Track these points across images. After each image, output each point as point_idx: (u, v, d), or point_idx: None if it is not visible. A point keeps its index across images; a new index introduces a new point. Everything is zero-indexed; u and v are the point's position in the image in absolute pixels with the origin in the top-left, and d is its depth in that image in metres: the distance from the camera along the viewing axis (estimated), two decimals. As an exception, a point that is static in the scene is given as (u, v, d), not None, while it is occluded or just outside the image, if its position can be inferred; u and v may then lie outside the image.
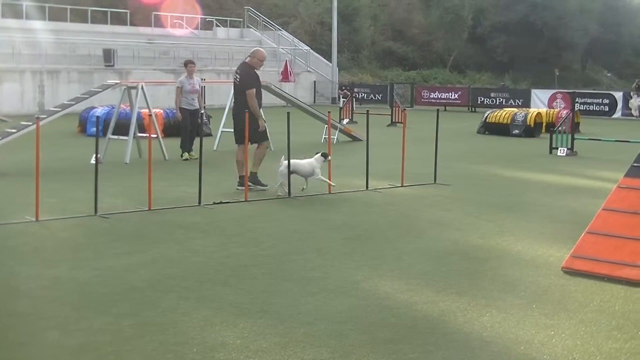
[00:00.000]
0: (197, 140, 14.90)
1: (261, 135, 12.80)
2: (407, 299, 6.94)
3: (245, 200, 11.78)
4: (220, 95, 17.80)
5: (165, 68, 38.74)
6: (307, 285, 7.30)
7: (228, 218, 10.58)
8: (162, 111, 21.91)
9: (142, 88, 17.25)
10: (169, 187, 12.98)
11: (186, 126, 17.12)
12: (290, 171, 12.20)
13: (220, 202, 11.57)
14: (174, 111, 18.35)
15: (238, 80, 12.76)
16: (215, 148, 18.58)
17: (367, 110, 14.47)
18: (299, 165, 12.52)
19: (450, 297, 7.00)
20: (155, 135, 16.08)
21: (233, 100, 13.86)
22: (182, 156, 17.06)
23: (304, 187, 12.65)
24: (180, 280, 7.45)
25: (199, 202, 11.37)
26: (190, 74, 17.25)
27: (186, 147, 17.19)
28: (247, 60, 12.98)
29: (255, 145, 12.88)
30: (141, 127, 18.42)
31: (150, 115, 14.53)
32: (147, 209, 10.96)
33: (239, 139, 12.56)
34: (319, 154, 12.69)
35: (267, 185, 12.71)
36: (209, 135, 20.48)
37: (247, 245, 9.01)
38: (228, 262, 8.19)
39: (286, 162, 12.15)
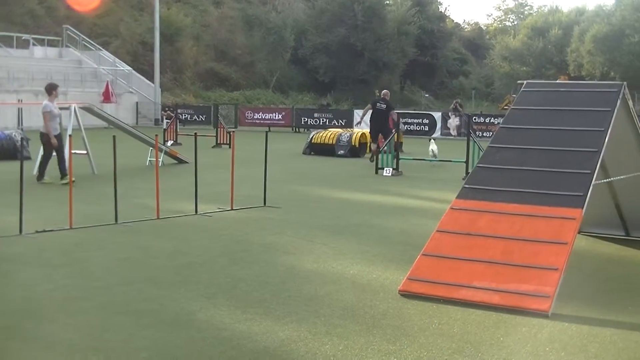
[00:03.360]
0: (17, 165, 14.14)
1: None
2: (246, 329, 6.72)
3: (71, 228, 11.23)
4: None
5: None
6: (141, 318, 6.96)
7: (53, 247, 10.03)
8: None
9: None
10: (-15, 216, 12.25)
11: (50, 151, 16.35)
12: None
13: (44, 231, 10.99)
14: (5, 133, 17.47)
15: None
16: (34, 172, 17.65)
17: (195, 133, 14.18)
18: None
19: (290, 325, 6.84)
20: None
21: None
22: (42, 179, 16.31)
23: None
24: None
25: (20, 231, 10.75)
26: (53, 99, 16.53)
27: (44, 172, 16.42)
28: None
29: None
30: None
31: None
32: (-39, 240, 10.26)
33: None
34: None
35: None
36: (28, 158, 19.59)
37: (75, 276, 8.54)
38: (55, 296, 7.72)
39: None
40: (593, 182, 8.40)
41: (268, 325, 6.83)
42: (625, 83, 9.52)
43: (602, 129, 8.86)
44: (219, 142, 28.61)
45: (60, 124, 16.77)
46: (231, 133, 16.17)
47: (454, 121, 37.30)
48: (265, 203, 13.83)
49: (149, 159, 20.95)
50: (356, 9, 60.85)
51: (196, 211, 12.82)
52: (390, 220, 12.73)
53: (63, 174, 16.27)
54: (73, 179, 12.52)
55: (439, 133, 37.44)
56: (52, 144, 16.22)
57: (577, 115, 9.26)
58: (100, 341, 6.31)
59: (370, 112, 23.39)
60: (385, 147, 20.55)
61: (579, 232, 11.18)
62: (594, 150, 8.68)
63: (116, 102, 41.63)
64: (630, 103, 9.60)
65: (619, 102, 9.15)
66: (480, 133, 35.39)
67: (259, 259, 9.57)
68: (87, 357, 5.92)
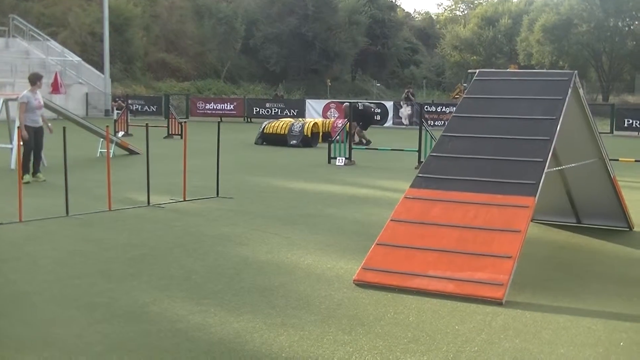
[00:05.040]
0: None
1: None
2: (200, 321, 6.66)
3: (20, 221, 11.05)
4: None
5: None
6: (93, 312, 6.86)
7: (3, 241, 9.83)
8: None
9: None
10: None
11: (30, 146, 15.39)
12: None
13: (-8, 224, 10.81)
14: None
15: None
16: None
17: (146, 124, 14.04)
18: None
19: (244, 316, 6.79)
20: None
21: None
22: (23, 178, 15.30)
23: None
24: (-50, 313, 6.82)
25: (-32, 225, 10.57)
26: (36, 89, 15.87)
27: (27, 168, 15.45)
28: None
29: None
30: None
31: None
32: None
33: None
34: None
35: None
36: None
37: (24, 270, 8.40)
38: (3, 290, 7.59)
39: None
40: (545, 170, 8.45)
41: (223, 317, 6.78)
42: (576, 72, 9.59)
43: (554, 118, 8.91)
44: (170, 133, 28.43)
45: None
46: (183, 124, 16.02)
47: (405, 110, 37.46)
48: (218, 194, 13.76)
49: (99, 150, 20.73)
50: (307, -1, 60.79)
51: (148, 203, 12.70)
52: (344, 210, 12.72)
53: (35, 170, 15.67)
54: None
55: (391, 122, 37.59)
56: (23, 137, 15.31)
57: (529, 104, 9.30)
58: (52, 336, 6.20)
59: None
60: (338, 137, 20.56)
61: (532, 220, 11.28)
62: (546, 138, 8.73)
63: (65, 93, 41.15)
64: (581, 91, 9.69)
65: (570, 90, 9.21)
66: (432, 122, 35.54)
67: (212, 250, 9.50)
68: (38, 353, 5.81)
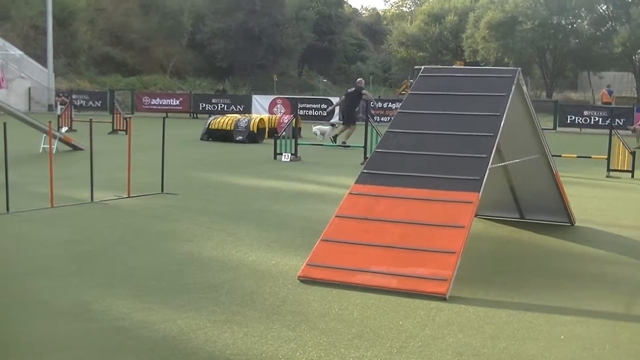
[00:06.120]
0: None
1: None
2: (143, 318, 6.59)
3: (-41, 218, 10.87)
4: None
5: None
6: (35, 310, 6.75)
7: (-60, 238, 9.69)
8: None
9: None
10: None
11: None
12: None
13: None
14: None
15: None
16: None
17: (90, 119, 13.86)
18: None
19: (188, 313, 6.73)
20: None
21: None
22: None
23: None
24: None
25: None
26: None
27: None
28: None
29: None
30: None
31: None
32: None
33: None
34: None
35: None
36: None
37: (-37, 268, 8.27)
38: (-58, 289, 7.46)
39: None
40: (489, 166, 8.52)
41: (166, 314, 6.72)
42: (519, 69, 9.69)
43: (498, 114, 8.99)
44: (115, 128, 28.14)
45: None
46: (128, 119, 15.88)
47: (352, 106, 37.47)
48: (163, 190, 13.65)
49: (42, 146, 20.45)
50: (254, -6, 60.55)
51: (92, 199, 12.56)
52: (289, 206, 12.71)
53: None
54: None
55: (337, 118, 37.58)
56: None
57: (474, 101, 9.37)
58: (-8, 335, 6.12)
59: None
60: (284, 133, 20.53)
61: (476, 216, 11.39)
62: (490, 134, 8.80)
63: (7, 87, 40.53)
64: (524, 88, 9.78)
65: (513, 87, 9.29)
66: (379, 118, 35.74)
67: (156, 247, 9.42)
68: (-23, 352, 5.72)
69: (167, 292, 7.45)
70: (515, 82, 9.35)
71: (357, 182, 8.89)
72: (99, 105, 42.33)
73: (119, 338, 6.08)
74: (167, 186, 13.79)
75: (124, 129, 27.35)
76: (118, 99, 41.28)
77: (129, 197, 13.06)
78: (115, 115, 28.95)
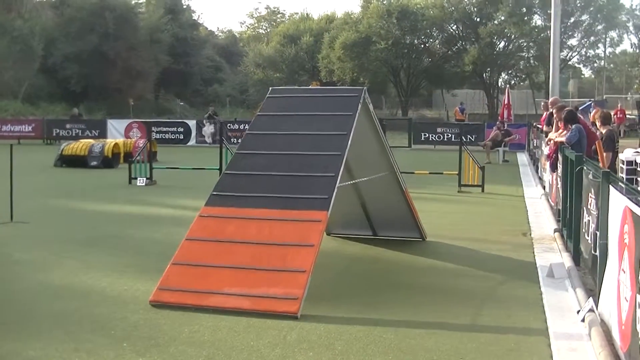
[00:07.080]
0: None
1: None
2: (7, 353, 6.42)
3: None
4: None
5: None
6: None
7: None
8: None
9: None
10: None
11: None
12: None
13: None
14: None
15: None
16: None
17: None
18: None
19: (37, 344, 6.62)
20: None
21: None
22: None
23: None
24: None
25: None
26: None
27: None
28: None
29: None
30: None
31: None
32: None
33: None
34: None
35: None
36: None
37: None
38: None
39: None
40: (337, 184, 8.66)
41: (15, 347, 6.56)
42: (365, 88, 9.92)
43: (345, 133, 9.16)
44: (-37, 156, 27.18)
45: None
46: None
47: (208, 129, 37.40)
48: (12, 219, 13.27)
49: None
50: (107, 17, 59.56)
51: (-64, 230, 12.13)
52: (143, 230, 12.59)
53: None
54: None
55: (195, 141, 37.42)
56: None
57: (321, 120, 9.52)
58: None
59: None
60: (139, 157, 20.31)
61: (329, 234, 11.58)
62: (338, 153, 8.95)
63: None
64: (371, 107, 10.01)
65: (359, 106, 9.49)
66: (235, 139, 35.67)
67: (5, 278, 9.17)
68: None
69: (17, 323, 7.28)
70: (361, 101, 9.55)
71: (207, 204, 8.90)
72: (-54, 132, 40.84)
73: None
74: (17, 214, 13.41)
75: (-27, 157, 26.44)
76: (-34, 126, 39.91)
77: (-25, 227, 12.67)
78: (-37, 143, 27.98)
